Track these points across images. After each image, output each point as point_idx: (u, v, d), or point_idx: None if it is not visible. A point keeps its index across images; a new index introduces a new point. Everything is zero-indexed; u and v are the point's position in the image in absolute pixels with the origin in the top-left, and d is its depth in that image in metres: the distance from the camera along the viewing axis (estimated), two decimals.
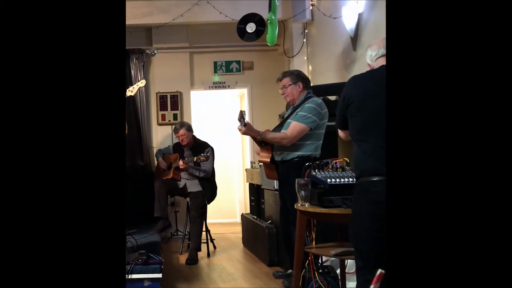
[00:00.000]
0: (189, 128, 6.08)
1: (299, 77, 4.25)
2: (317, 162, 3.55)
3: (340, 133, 3.06)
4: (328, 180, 3.35)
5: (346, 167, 3.53)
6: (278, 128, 4.27)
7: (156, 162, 6.55)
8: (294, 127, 4.07)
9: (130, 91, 5.35)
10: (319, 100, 4.18)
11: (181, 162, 5.80)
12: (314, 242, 3.67)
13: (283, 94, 4.31)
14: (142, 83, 5.48)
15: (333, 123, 3.30)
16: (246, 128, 4.08)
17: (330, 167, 3.54)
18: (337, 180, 3.35)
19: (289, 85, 4.24)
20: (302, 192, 3.45)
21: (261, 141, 4.27)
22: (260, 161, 4.65)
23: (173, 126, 6.31)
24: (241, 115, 4.01)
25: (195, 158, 5.71)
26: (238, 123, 4.07)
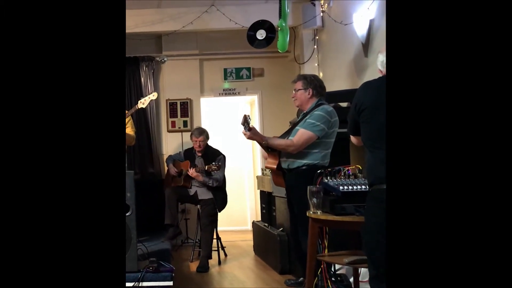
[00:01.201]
0: (208, 137, 6.07)
1: (311, 83, 4.18)
2: (329, 169, 3.53)
3: (353, 139, 3.03)
4: (341, 187, 3.33)
5: (359, 174, 3.50)
6: (286, 134, 4.21)
7: (166, 169, 6.52)
8: (301, 134, 4.00)
9: (142, 103, 5.36)
10: (329, 108, 4.10)
11: (192, 171, 5.76)
12: (326, 250, 3.64)
13: (292, 97, 4.28)
14: (154, 95, 5.48)
15: (345, 130, 3.27)
16: (251, 133, 4.02)
17: (342, 174, 3.51)
18: (350, 187, 3.33)
19: (299, 89, 4.20)
20: (314, 200, 3.42)
21: (267, 147, 4.22)
22: (266, 167, 4.61)
23: (192, 131, 6.29)
24: (245, 119, 3.94)
25: (207, 167, 5.69)
26: (243, 128, 4.01)
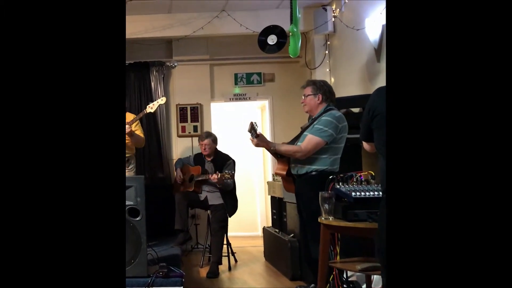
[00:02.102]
0: (215, 140, 6.07)
1: (321, 89, 4.16)
2: (341, 175, 3.50)
3: (365, 145, 3.01)
4: (353, 193, 3.31)
5: (371, 180, 3.48)
6: (295, 140, 4.20)
7: (175, 172, 6.51)
8: (309, 140, 3.98)
9: (151, 108, 5.36)
10: (337, 113, 4.07)
11: (214, 176, 5.72)
12: (338, 257, 3.61)
13: (302, 102, 4.25)
14: (162, 100, 5.48)
15: (356, 136, 3.25)
16: (258, 140, 4.00)
17: (354, 180, 3.49)
18: (362, 193, 3.31)
19: (308, 95, 4.17)
20: (326, 205, 3.40)
21: (276, 153, 4.20)
22: (276, 173, 4.59)
23: (199, 136, 6.31)
24: (252, 127, 3.93)
25: (219, 175, 5.66)
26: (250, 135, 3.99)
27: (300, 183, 4.10)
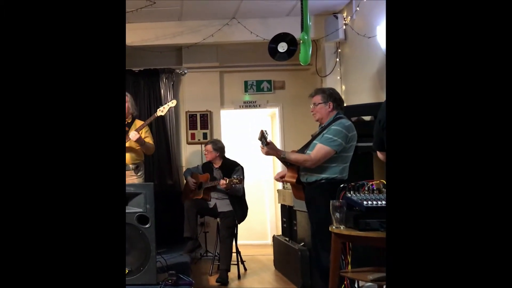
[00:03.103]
0: (219, 149, 6.04)
1: (331, 96, 4.12)
2: (352, 183, 3.47)
3: (379, 154, 2.98)
4: (364, 202, 3.26)
5: (383, 189, 3.43)
6: (304, 148, 4.16)
7: (185, 181, 6.48)
8: (318, 149, 3.95)
9: (161, 111, 5.33)
10: (347, 122, 4.03)
11: (223, 181, 5.70)
12: (350, 266, 3.56)
13: (312, 111, 4.21)
14: (172, 103, 5.45)
15: (368, 144, 3.22)
16: (269, 148, 3.96)
17: (366, 189, 3.44)
18: (374, 202, 3.26)
19: (319, 103, 4.13)
20: (337, 214, 3.36)
21: (284, 161, 4.17)
22: (286, 181, 4.56)
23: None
24: (262, 135, 3.89)
25: (228, 180, 5.63)
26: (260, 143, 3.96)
27: (310, 191, 4.08)
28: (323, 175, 3.97)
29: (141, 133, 5.20)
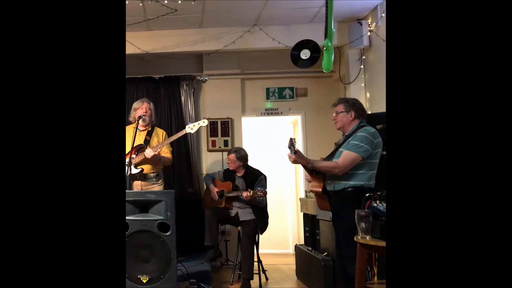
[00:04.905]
0: (242, 157, 5.96)
1: (353, 106, 4.13)
2: (378, 193, 3.39)
3: None
4: None
5: None
6: (330, 157, 4.15)
7: (205, 187, 6.42)
8: (345, 156, 3.92)
9: (190, 128, 5.28)
10: (372, 129, 4.02)
11: (246, 194, 5.63)
12: (376, 278, 3.48)
13: (333, 119, 4.20)
14: (204, 122, 5.36)
15: None
16: (296, 156, 3.93)
17: None
18: None
19: (341, 112, 4.14)
20: (363, 224, 3.29)
21: (312, 170, 4.12)
22: (311, 191, 4.50)
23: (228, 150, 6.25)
24: (291, 143, 3.87)
25: (252, 192, 5.56)
26: (288, 151, 3.92)
27: (337, 200, 4.03)
28: (351, 182, 3.93)
29: (161, 148, 5.17)
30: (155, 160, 5.15)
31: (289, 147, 3.87)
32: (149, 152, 5.04)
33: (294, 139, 3.93)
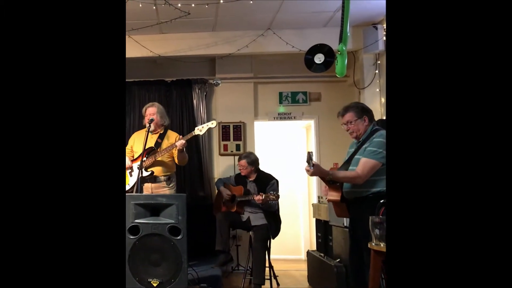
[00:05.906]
0: (253, 162, 5.92)
1: (364, 110, 4.04)
2: None
3: None
4: None
5: None
6: (346, 165, 4.03)
7: (216, 192, 6.38)
8: (365, 164, 3.82)
9: (199, 130, 5.28)
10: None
11: (258, 197, 5.58)
12: None
13: (348, 130, 4.09)
14: (212, 124, 5.35)
15: None
16: (315, 169, 3.84)
17: None
18: None
19: (355, 120, 4.02)
20: (377, 231, 3.22)
21: (329, 180, 4.03)
22: (329, 200, 4.41)
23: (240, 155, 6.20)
24: (309, 157, 3.79)
25: (264, 196, 5.51)
26: (306, 164, 3.84)
27: (357, 207, 3.93)
28: (373, 190, 3.84)
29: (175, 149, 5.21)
30: (182, 150, 5.22)
31: (307, 161, 3.80)
32: (180, 143, 5.14)
33: (312, 152, 3.85)
